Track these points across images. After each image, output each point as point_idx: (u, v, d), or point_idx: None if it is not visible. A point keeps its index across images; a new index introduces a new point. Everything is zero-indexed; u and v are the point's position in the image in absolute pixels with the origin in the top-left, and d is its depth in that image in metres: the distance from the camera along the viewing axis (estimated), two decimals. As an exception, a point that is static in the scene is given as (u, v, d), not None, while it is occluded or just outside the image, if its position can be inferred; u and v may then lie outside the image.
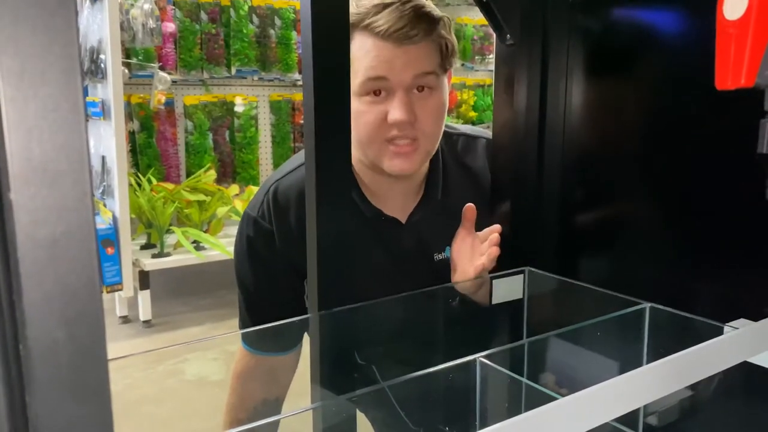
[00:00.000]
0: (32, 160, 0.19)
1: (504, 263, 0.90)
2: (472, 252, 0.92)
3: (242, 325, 1.04)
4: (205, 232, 2.63)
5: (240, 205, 2.72)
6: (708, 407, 0.73)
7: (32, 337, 0.21)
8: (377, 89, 0.88)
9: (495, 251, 0.89)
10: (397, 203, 1.01)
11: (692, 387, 0.72)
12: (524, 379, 0.67)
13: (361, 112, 0.89)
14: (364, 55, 0.88)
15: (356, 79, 0.87)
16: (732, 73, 0.41)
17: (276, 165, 3.34)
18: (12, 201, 0.19)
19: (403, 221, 1.01)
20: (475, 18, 4.08)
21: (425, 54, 0.90)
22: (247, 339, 1.01)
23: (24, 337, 0.21)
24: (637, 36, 0.79)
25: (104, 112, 2.37)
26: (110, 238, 2.24)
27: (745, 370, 0.61)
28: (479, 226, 0.94)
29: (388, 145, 0.91)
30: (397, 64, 0.88)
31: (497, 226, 0.91)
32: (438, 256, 1.02)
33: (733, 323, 0.65)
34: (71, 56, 0.19)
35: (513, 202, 0.92)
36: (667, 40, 0.76)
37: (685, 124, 0.75)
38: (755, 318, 0.62)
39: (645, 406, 0.75)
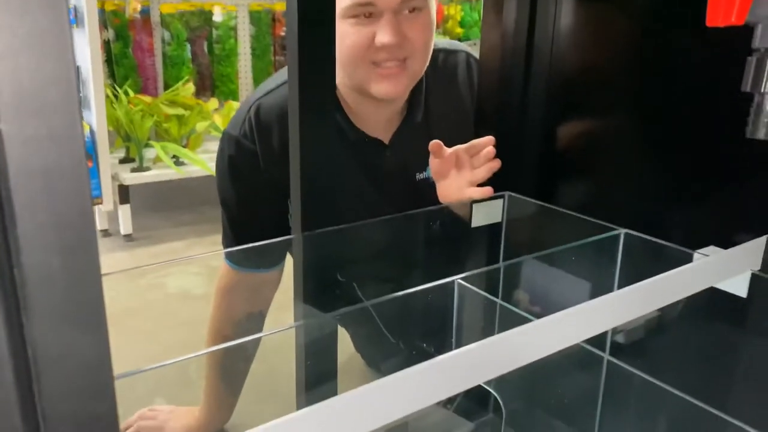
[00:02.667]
0: (21, 90, 0.19)
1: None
2: (458, 173, 0.91)
3: (225, 241, 1.05)
4: (184, 147, 2.60)
5: (219, 120, 2.68)
6: (674, 327, 0.77)
7: (27, 264, 0.21)
8: (364, 12, 0.86)
9: (496, 164, 0.88)
10: (380, 125, 1.00)
11: (660, 309, 0.75)
12: (499, 301, 0.70)
13: (347, 33, 0.86)
14: None
15: (342, 2, 0.84)
16: (723, 10, 0.41)
17: (256, 78, 3.27)
18: (2, 131, 0.19)
19: (387, 142, 1.01)
20: (464, -72, 3.91)
21: None
22: (230, 256, 1.03)
23: (19, 263, 0.21)
24: (630, -42, 0.77)
25: (77, 20, 2.28)
26: (88, 151, 2.20)
27: (712, 294, 0.64)
28: (461, 143, 0.94)
29: (375, 68, 0.89)
30: None
31: (490, 139, 0.89)
32: (419, 176, 1.03)
33: (703, 250, 0.68)
34: (55, -20, 0.19)
35: (496, 125, 0.92)
36: (660, -36, 0.74)
37: (672, 56, 0.74)
38: (726, 246, 0.64)
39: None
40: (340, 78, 0.93)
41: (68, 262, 0.21)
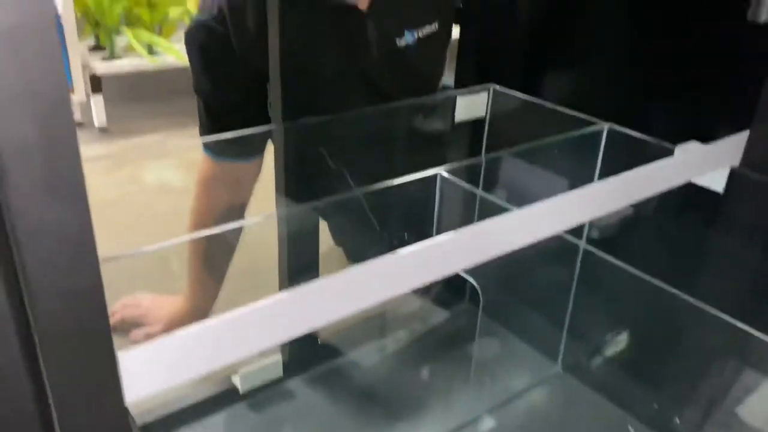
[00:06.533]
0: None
1: (469, 78, 0.89)
2: None
3: (203, 132, 1.03)
4: (157, 35, 2.49)
5: (193, 7, 2.56)
6: (650, 220, 0.79)
7: (1, 137, 0.20)
8: None
9: None
10: None
11: (635, 204, 0.77)
12: (481, 192, 0.70)
13: None
14: None
15: None
16: None
17: (231, -37, 3.08)
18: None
19: (364, 9, 0.97)
20: None
21: None
22: (208, 146, 1.01)
23: (-9, 133, 0.20)
24: None
25: None
26: (55, 38, 2.08)
27: (689, 189, 0.65)
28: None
29: None
30: None
31: None
32: (400, 42, 1.00)
33: (685, 145, 0.68)
34: None
35: (482, 17, 0.89)
36: None
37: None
38: (708, 141, 0.64)
39: (591, 220, 0.80)
40: None
41: (43, 130, 0.20)
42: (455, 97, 0.86)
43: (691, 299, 0.62)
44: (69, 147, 0.21)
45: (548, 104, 0.81)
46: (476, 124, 0.90)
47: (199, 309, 1.09)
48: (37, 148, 0.21)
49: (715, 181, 0.68)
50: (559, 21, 0.85)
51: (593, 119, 0.75)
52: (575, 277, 0.78)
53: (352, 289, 0.41)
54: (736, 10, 0.55)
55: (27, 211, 0.22)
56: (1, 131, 0.21)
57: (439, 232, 0.79)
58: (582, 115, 0.75)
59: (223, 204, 1.03)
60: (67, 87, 0.22)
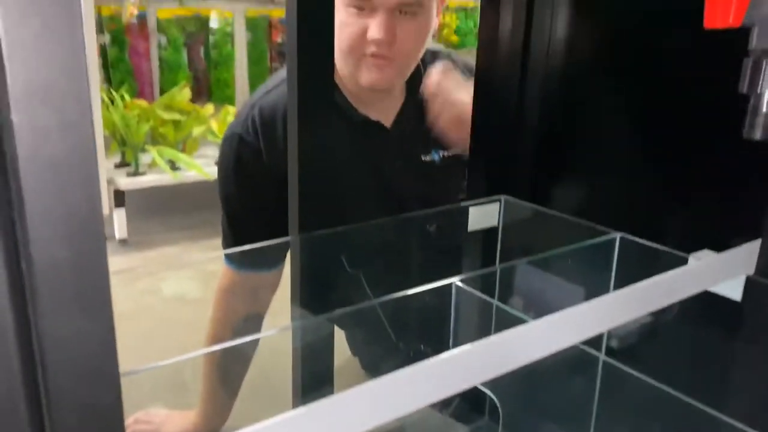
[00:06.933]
0: (32, 81, 0.19)
1: (480, 190, 0.91)
2: None
3: (225, 244, 1.06)
4: (180, 151, 2.60)
5: (216, 125, 2.68)
6: (669, 330, 0.78)
7: (35, 255, 0.21)
8: (360, 5, 0.89)
9: None
10: (381, 107, 1.02)
11: (654, 313, 0.76)
12: (497, 302, 0.70)
13: (344, 23, 0.90)
14: None
15: None
16: (721, 12, 0.42)
17: (252, 84, 3.27)
18: (13, 122, 0.19)
19: (389, 126, 1.02)
20: (460, -64, 3.92)
21: None
22: (231, 257, 1.03)
23: (27, 255, 0.21)
24: (626, -35, 0.78)
25: (73, 24, 2.27)
26: (83, 156, 2.18)
27: (708, 297, 0.64)
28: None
29: (364, 58, 0.92)
30: None
31: None
32: (426, 158, 1.04)
33: (698, 254, 0.68)
34: (67, -25, 0.19)
35: (492, 129, 0.93)
36: (656, -29, 0.75)
37: (669, 59, 0.75)
38: (721, 249, 0.65)
39: (609, 330, 0.79)
40: (339, 65, 0.96)
41: (76, 253, 0.21)
42: (467, 208, 0.88)
43: (717, 413, 0.60)
44: (98, 265, 0.22)
45: (559, 214, 0.82)
46: (489, 234, 0.91)
47: (212, 425, 1.06)
48: (69, 266, 0.22)
49: (733, 289, 0.67)
50: (566, 133, 0.89)
51: (605, 229, 0.76)
52: (596, 389, 0.76)
53: (369, 405, 0.40)
54: (738, 125, 0.57)
55: (53, 326, 0.23)
56: (37, 249, 0.22)
57: (455, 342, 0.78)
58: (593, 225, 0.76)
59: (243, 313, 1.04)
60: (101, 209, 0.23)
